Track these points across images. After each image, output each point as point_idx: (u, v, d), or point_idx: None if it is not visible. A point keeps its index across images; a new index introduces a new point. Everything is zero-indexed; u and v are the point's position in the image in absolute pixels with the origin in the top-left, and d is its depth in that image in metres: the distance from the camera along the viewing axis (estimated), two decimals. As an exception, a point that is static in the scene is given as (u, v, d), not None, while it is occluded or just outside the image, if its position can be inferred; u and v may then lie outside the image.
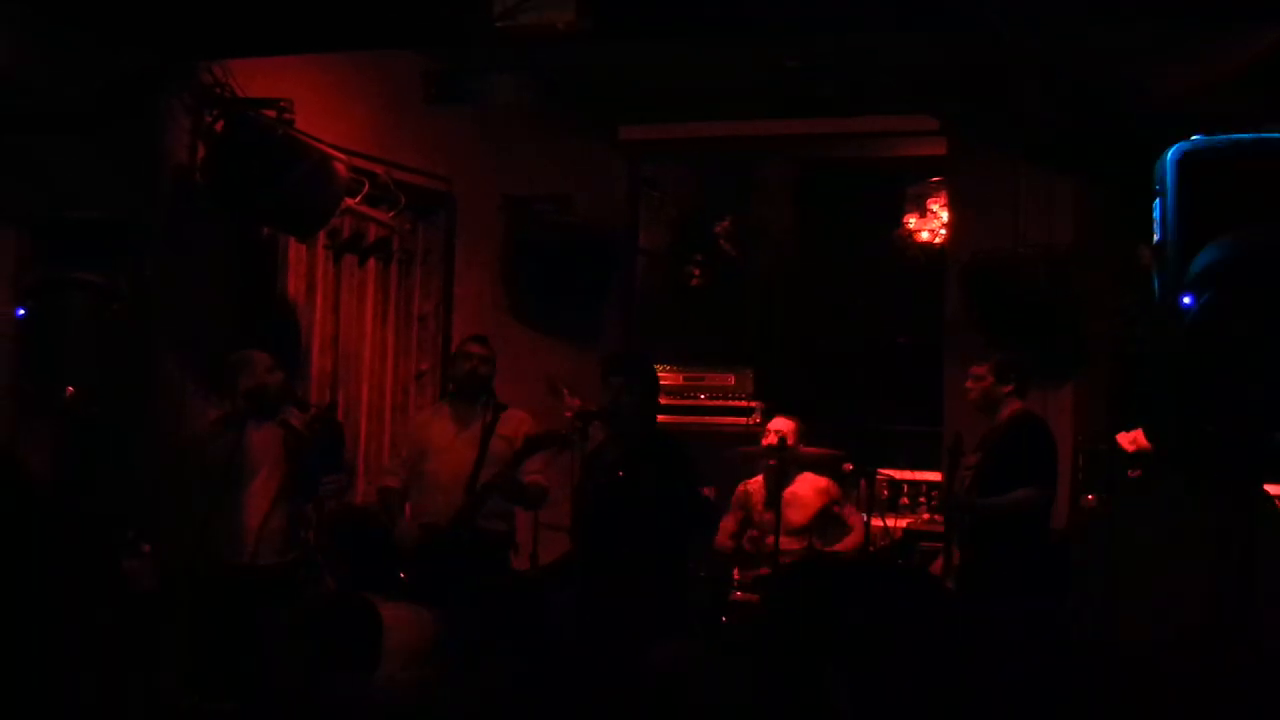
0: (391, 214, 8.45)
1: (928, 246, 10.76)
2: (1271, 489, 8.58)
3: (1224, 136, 5.15)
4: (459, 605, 6.63)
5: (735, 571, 8.10)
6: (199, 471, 6.93)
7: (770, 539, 7.81)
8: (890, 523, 8.32)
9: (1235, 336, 7.50)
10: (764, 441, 8.17)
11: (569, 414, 7.12)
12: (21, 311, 6.54)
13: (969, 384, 7.37)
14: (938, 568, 7.29)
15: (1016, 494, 7.04)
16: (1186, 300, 7.36)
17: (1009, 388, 7.26)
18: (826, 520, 8.33)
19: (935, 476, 8.91)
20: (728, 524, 8.48)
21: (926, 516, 8.88)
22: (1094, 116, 7.63)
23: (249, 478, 6.95)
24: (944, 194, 10.27)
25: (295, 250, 8.08)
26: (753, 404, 9.41)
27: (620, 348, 9.47)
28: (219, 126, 7.21)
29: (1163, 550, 7.62)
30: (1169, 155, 4.68)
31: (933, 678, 2.77)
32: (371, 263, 8.79)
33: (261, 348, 7.11)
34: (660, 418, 8.19)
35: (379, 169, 8.25)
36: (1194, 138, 5.03)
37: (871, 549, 8.02)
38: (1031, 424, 7.26)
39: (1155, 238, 6.35)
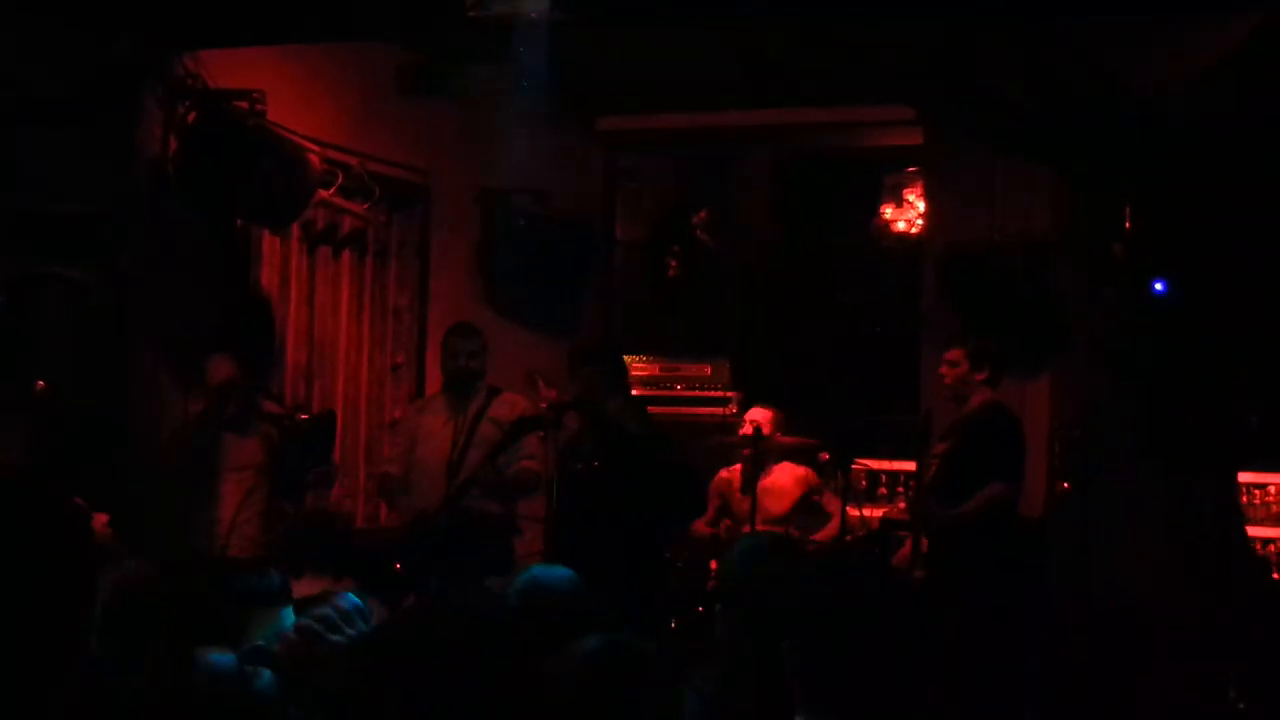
0: (366, 206, 8.42)
1: (904, 236, 10.76)
2: (1245, 476, 8.69)
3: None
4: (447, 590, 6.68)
5: (713, 563, 8.09)
6: (176, 465, 6.93)
7: (746, 528, 7.81)
8: (867, 512, 8.31)
9: (1207, 325, 7.54)
10: (740, 431, 8.16)
11: (544, 405, 7.12)
12: (-6, 305, 6.52)
13: (943, 370, 7.38)
14: (905, 554, 7.30)
15: (983, 495, 7.03)
16: (1159, 286, 7.41)
17: (983, 374, 7.26)
18: (806, 509, 8.33)
19: (912, 466, 8.90)
20: (706, 513, 8.48)
21: (903, 505, 8.89)
22: (1069, 107, 7.63)
23: (225, 472, 6.97)
24: (921, 184, 10.26)
25: (269, 243, 8.06)
26: (729, 394, 9.40)
27: (598, 339, 9.46)
28: (191, 118, 7.18)
29: (1135, 534, 7.65)
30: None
31: (891, 662, 2.77)
32: (346, 255, 8.76)
33: (234, 340, 7.10)
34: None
35: (353, 161, 8.22)
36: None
37: (848, 539, 8.02)
38: (1000, 416, 7.26)
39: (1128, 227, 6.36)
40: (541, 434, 7.09)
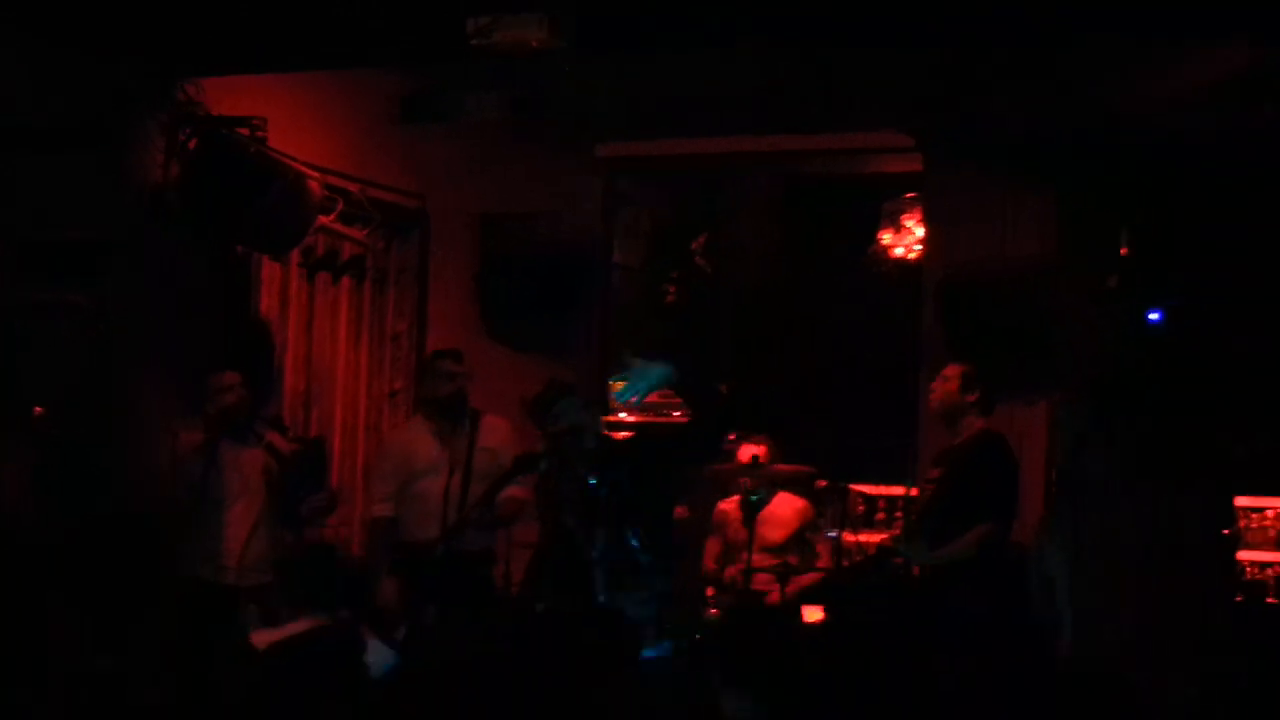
0: (365, 232, 8.46)
1: (903, 262, 10.76)
2: (1242, 500, 8.71)
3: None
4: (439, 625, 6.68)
5: (709, 590, 8.10)
6: (180, 492, 6.92)
7: (744, 555, 7.83)
8: (864, 538, 8.31)
9: (1204, 351, 7.55)
10: (738, 460, 8.16)
11: (541, 433, 7.11)
12: (-8, 333, 6.53)
13: (934, 384, 7.33)
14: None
15: (972, 535, 6.98)
16: (1153, 315, 7.42)
17: (972, 398, 7.18)
18: (801, 542, 8.35)
19: (911, 491, 8.90)
20: (712, 546, 8.48)
21: (899, 531, 8.88)
22: (1067, 131, 7.65)
23: (230, 500, 6.97)
24: (919, 210, 10.26)
25: (269, 269, 8.08)
26: (727, 420, 9.38)
27: (595, 365, 9.47)
28: (192, 145, 7.21)
29: (1124, 559, 7.65)
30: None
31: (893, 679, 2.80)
32: (345, 281, 8.78)
33: (234, 367, 7.11)
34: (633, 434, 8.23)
35: (353, 187, 8.26)
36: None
37: (845, 564, 8.03)
38: (995, 449, 7.19)
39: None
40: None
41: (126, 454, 7.07)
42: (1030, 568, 7.66)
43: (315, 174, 7.52)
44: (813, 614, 7.51)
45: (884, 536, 8.87)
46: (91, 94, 6.85)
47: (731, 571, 8.27)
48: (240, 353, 7.51)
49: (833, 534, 8.39)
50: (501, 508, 7.22)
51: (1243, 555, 8.83)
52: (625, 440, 7.29)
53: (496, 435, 7.40)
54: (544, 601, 6.58)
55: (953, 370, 7.28)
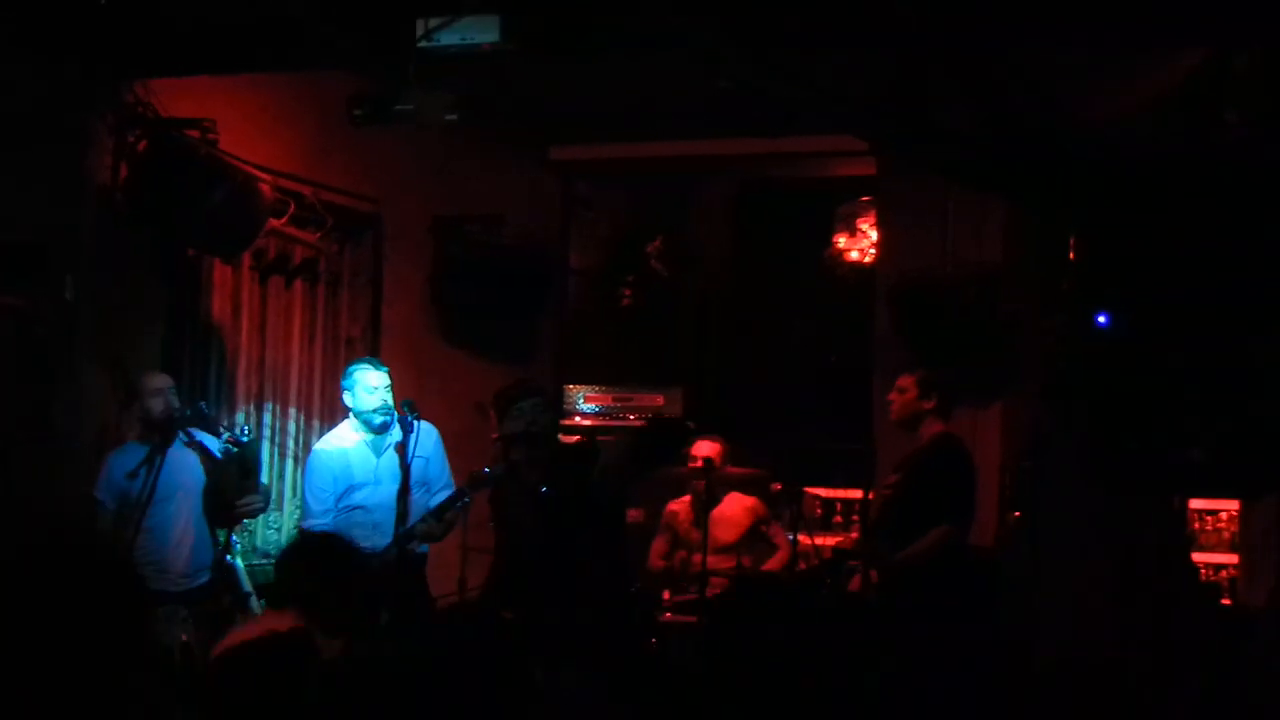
0: (318, 235, 8.42)
1: (857, 266, 10.78)
2: (1196, 503, 8.76)
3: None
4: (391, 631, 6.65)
5: (666, 593, 8.09)
6: (115, 493, 6.84)
7: (698, 557, 7.81)
8: (819, 541, 8.32)
9: (1153, 357, 7.59)
10: (690, 464, 8.15)
11: (494, 435, 7.08)
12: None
13: (892, 396, 7.39)
14: (856, 585, 7.30)
15: (931, 537, 7.03)
16: (1101, 319, 7.45)
17: (930, 404, 7.26)
18: (755, 539, 8.35)
19: (869, 495, 8.92)
20: (658, 545, 8.48)
21: (855, 536, 8.89)
22: (1018, 137, 7.67)
23: (164, 501, 6.87)
24: (873, 214, 10.28)
25: (220, 271, 8.04)
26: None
27: (551, 368, 9.46)
28: (142, 147, 7.17)
29: (1082, 562, 7.69)
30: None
31: (859, 693, 2.80)
32: (298, 284, 8.74)
33: (179, 370, 7.06)
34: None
35: (305, 190, 8.22)
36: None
37: (801, 566, 8.03)
38: (951, 452, 7.24)
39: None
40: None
41: (76, 457, 7.01)
42: (1000, 570, 7.70)
43: (267, 176, 7.48)
44: None
45: (840, 539, 8.88)
46: (37, 94, 6.79)
47: (679, 569, 8.25)
48: (190, 356, 7.46)
49: (789, 537, 8.39)
50: (449, 520, 7.19)
51: (1197, 557, 8.89)
52: (577, 445, 7.29)
53: (427, 441, 7.32)
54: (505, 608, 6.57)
55: (907, 380, 7.34)
